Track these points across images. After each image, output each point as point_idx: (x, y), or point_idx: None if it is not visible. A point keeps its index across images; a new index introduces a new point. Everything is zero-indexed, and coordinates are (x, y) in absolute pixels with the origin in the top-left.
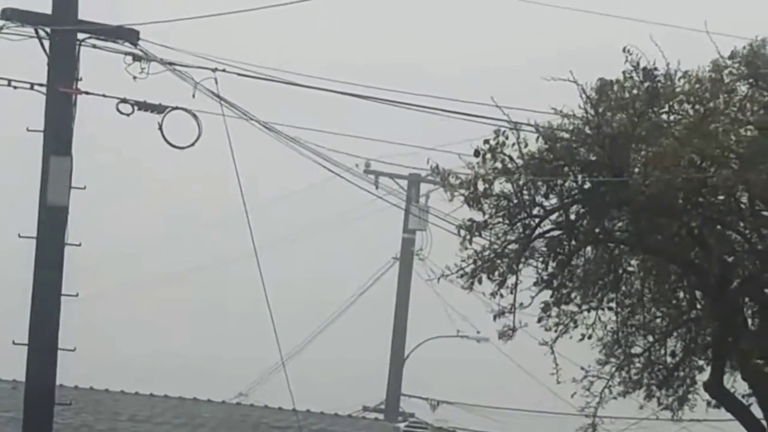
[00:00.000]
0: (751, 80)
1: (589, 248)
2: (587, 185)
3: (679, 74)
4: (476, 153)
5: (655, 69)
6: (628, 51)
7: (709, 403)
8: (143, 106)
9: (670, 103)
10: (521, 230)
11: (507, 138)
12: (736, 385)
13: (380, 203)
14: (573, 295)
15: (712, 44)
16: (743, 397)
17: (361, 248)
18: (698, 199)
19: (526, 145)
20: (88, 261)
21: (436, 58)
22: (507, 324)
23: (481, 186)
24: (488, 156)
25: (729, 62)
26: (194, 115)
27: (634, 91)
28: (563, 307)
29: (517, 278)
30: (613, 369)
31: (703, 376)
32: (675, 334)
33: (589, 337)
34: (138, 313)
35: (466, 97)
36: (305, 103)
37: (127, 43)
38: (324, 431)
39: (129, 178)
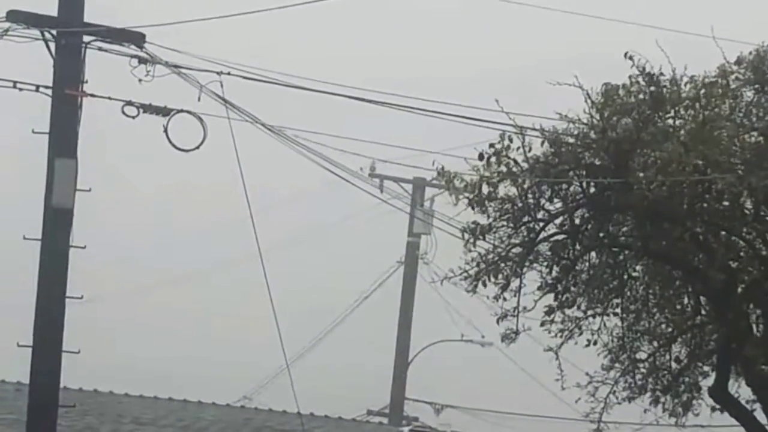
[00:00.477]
0: (757, 86)
1: (593, 253)
2: (592, 190)
3: (686, 79)
4: (481, 157)
5: (662, 74)
6: (631, 57)
7: (713, 409)
8: (148, 109)
9: (676, 108)
10: (525, 234)
11: (512, 142)
12: (741, 390)
13: (385, 207)
14: (577, 300)
15: (719, 50)
16: (747, 402)
17: (366, 252)
18: (702, 204)
19: (530, 149)
20: (93, 263)
21: (439, 59)
22: (510, 327)
23: (485, 189)
24: (493, 160)
25: (735, 68)
26: (199, 118)
27: (641, 96)
28: (567, 311)
29: (521, 282)
30: (618, 374)
31: (708, 382)
32: (680, 339)
33: (595, 343)
34: (142, 316)
35: (470, 99)
36: (311, 107)
37: (132, 46)
38: None
39: (135, 181)
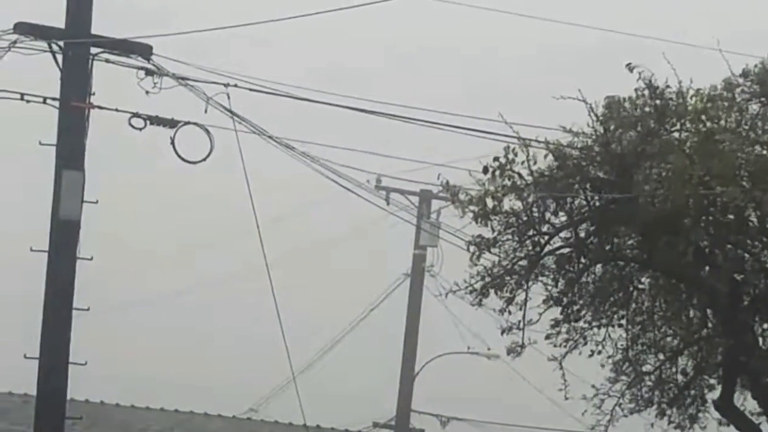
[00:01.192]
0: (762, 99)
1: (599, 266)
2: (597, 203)
3: (691, 92)
4: (485, 170)
5: (667, 86)
6: (634, 69)
7: (719, 422)
8: (155, 121)
9: (681, 120)
10: (530, 247)
11: (516, 155)
12: (747, 403)
13: (391, 219)
14: (582, 313)
15: (725, 62)
16: (753, 415)
17: (372, 264)
18: (708, 217)
19: (535, 162)
20: (100, 275)
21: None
22: (515, 340)
23: (490, 203)
24: (497, 173)
25: (741, 80)
26: (206, 130)
27: (646, 109)
28: (573, 324)
29: (526, 295)
30: (624, 387)
31: (714, 395)
32: (686, 352)
33: (599, 353)
34: (149, 328)
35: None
36: (317, 118)
37: (139, 58)
38: None
39: (142, 193)
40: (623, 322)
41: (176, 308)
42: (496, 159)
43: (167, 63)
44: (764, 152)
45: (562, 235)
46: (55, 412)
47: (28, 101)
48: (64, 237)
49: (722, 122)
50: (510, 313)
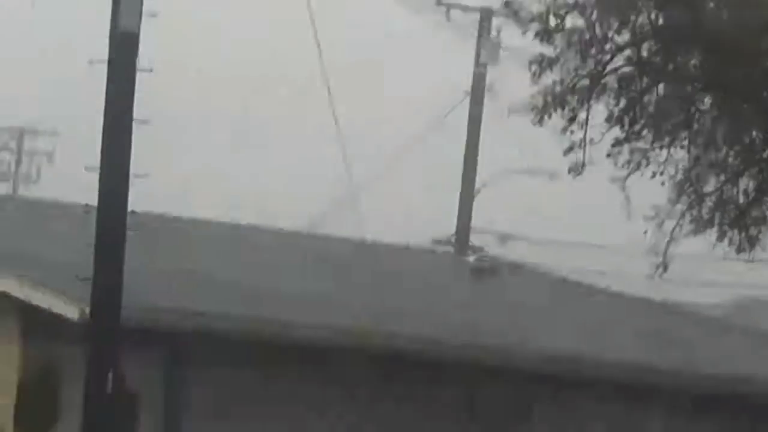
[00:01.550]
0: None
1: (661, 85)
2: (661, 21)
3: None
4: None
5: None
6: None
7: None
8: None
9: None
10: (592, 66)
11: None
12: None
13: (451, 35)
14: (643, 133)
15: None
16: None
17: (432, 81)
18: None
19: None
20: (159, 89)
21: None
22: (577, 159)
23: (552, 21)
24: None
25: None
26: None
27: None
28: (634, 143)
29: (588, 114)
30: (684, 208)
31: None
32: (747, 173)
33: (661, 174)
34: (210, 139)
35: None
36: None
37: None
38: (393, 263)
39: (202, 7)
40: (685, 143)
41: (237, 123)
42: None
43: None
44: None
45: (624, 53)
46: (117, 222)
47: None
48: (123, 49)
49: None
50: (572, 132)
